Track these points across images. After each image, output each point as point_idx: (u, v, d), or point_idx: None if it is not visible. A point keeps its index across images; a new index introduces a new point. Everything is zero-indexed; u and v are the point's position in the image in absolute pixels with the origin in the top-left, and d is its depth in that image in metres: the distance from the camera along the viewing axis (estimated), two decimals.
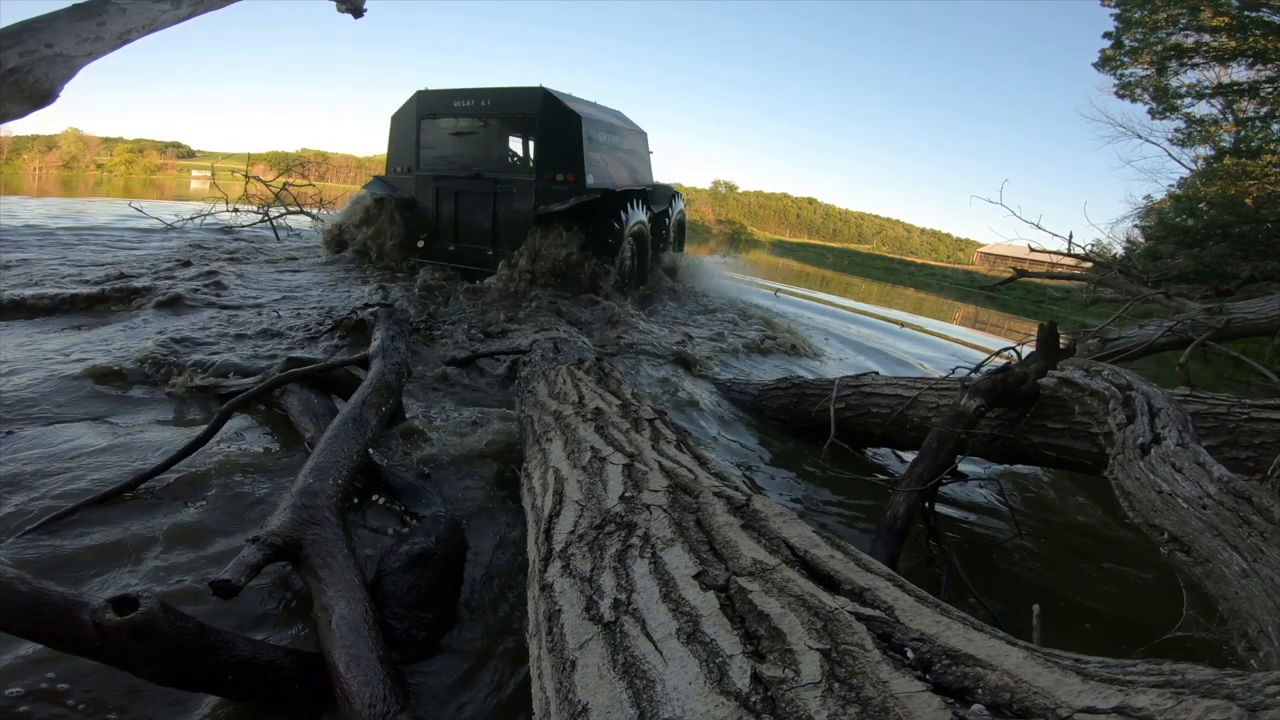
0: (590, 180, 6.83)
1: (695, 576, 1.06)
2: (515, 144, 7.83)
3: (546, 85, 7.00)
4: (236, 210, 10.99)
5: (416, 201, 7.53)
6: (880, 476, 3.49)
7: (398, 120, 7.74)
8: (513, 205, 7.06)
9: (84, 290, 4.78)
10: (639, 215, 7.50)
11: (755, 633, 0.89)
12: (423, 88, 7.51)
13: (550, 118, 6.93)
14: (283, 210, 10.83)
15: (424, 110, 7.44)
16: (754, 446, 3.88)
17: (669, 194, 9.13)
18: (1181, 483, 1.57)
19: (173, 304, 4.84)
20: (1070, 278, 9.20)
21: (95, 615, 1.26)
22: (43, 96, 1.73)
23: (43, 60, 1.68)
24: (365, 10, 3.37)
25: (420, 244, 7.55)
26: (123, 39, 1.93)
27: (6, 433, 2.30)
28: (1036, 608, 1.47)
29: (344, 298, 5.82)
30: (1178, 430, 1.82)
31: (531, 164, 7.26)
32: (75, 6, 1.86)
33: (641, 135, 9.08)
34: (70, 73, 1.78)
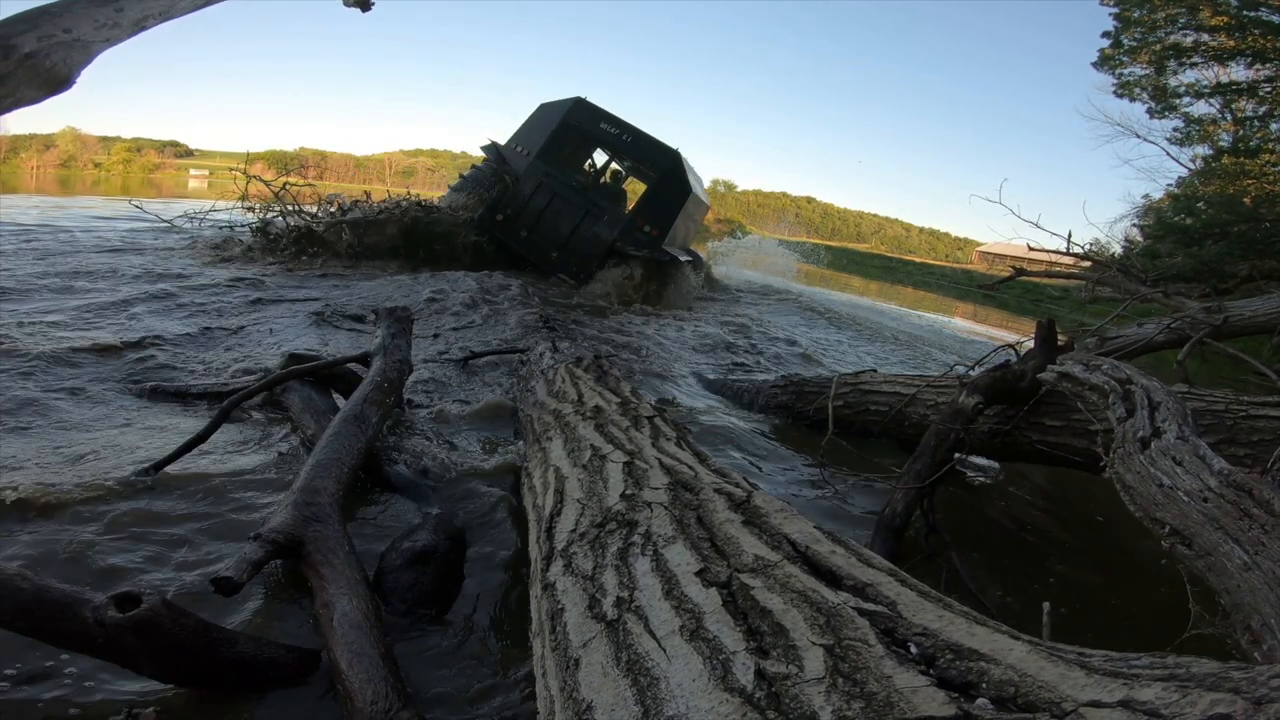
0: (665, 241, 7.86)
1: (697, 574, 1.06)
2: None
3: (681, 151, 8.17)
4: (252, 208, 10.95)
5: (518, 180, 8.15)
6: (879, 474, 3.50)
7: (545, 109, 8.52)
8: (595, 227, 7.87)
9: None
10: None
11: (758, 629, 0.89)
12: (582, 95, 8.39)
13: (669, 179, 7.95)
14: (284, 208, 10.78)
15: (574, 116, 8.22)
16: (751, 443, 3.88)
17: (697, 262, 10.58)
18: (1182, 476, 1.57)
19: None
20: (1069, 276, 9.23)
21: (97, 612, 1.26)
22: (60, 82, 1.71)
23: (60, 45, 1.66)
24: (373, 4, 3.34)
25: (500, 218, 8.18)
26: (140, 25, 1.91)
27: None
28: (1047, 605, 1.47)
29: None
30: (1178, 424, 1.82)
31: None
32: None
33: (706, 208, 10.50)
34: (88, 58, 1.76)
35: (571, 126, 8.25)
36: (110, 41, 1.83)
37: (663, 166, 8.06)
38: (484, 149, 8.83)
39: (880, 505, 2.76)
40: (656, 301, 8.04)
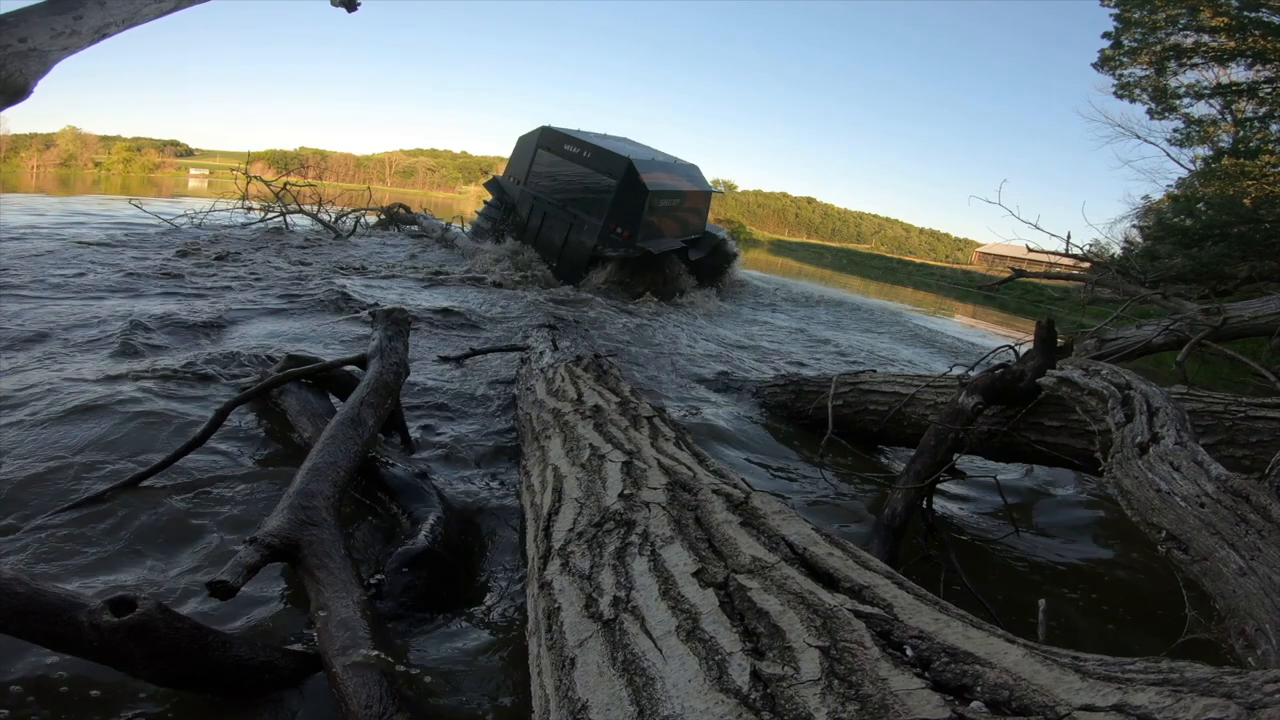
0: (639, 239, 8.98)
1: (694, 574, 1.06)
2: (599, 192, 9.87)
3: (633, 153, 9.31)
4: (251, 208, 11.11)
5: (516, 207, 9.90)
6: (878, 474, 3.50)
7: (522, 141, 10.03)
8: (579, 236, 9.25)
9: None
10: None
11: (754, 630, 0.88)
12: (547, 123, 9.80)
13: (626, 185, 8.96)
14: (284, 208, 10.82)
15: (543, 142, 9.66)
16: (749, 442, 3.88)
17: (713, 241, 11.32)
18: (1179, 481, 1.57)
19: None
20: (1068, 278, 9.22)
21: (92, 616, 1.25)
22: (16, 92, 1.67)
23: (15, 55, 1.62)
24: (359, 4, 3.32)
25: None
26: (101, 33, 1.87)
27: None
28: (1043, 602, 1.47)
29: None
30: (1176, 429, 1.82)
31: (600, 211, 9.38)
32: (51, 0, 1.82)
33: (705, 194, 11.35)
34: (45, 68, 1.72)
35: (544, 150, 9.67)
36: (69, 50, 1.79)
37: (617, 174, 9.07)
38: (486, 185, 10.68)
39: (879, 505, 2.76)
40: (651, 290, 9.20)
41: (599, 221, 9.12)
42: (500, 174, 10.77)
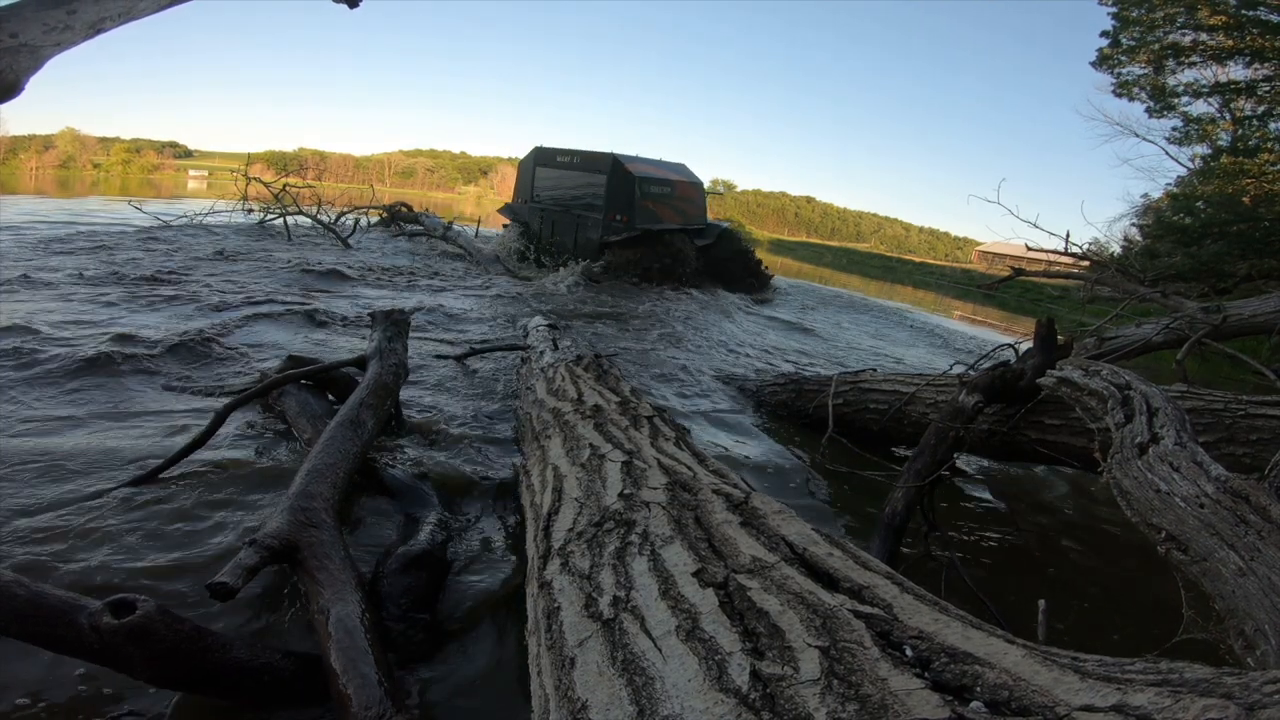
0: (638, 222, 9.98)
1: (694, 574, 1.06)
2: (593, 190, 10.67)
3: (616, 152, 10.22)
4: (251, 209, 11.22)
5: (528, 224, 11.06)
6: (878, 473, 3.50)
7: (521, 164, 11.45)
8: (586, 233, 10.30)
9: None
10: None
11: (754, 630, 0.89)
12: (539, 144, 11.00)
13: (615, 176, 9.99)
14: (283, 209, 10.84)
15: (538, 160, 10.94)
16: (752, 442, 3.88)
17: (717, 230, 12.04)
18: (1179, 482, 1.57)
19: None
20: (1068, 276, 9.24)
21: (92, 618, 1.25)
22: (6, 89, 1.60)
23: (6, 51, 1.55)
24: (360, 0, 3.28)
25: (532, 246, 11.12)
26: (96, 28, 1.80)
27: None
28: (1043, 603, 1.47)
29: None
30: (1175, 429, 1.82)
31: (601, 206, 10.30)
32: None
33: (695, 186, 12.05)
34: (37, 64, 1.65)
35: (540, 167, 10.91)
36: (62, 45, 1.73)
37: (605, 169, 10.06)
38: (500, 211, 12.13)
39: (879, 504, 2.76)
40: (658, 269, 10.22)
41: (599, 215, 10.11)
42: (507, 199, 12.02)
